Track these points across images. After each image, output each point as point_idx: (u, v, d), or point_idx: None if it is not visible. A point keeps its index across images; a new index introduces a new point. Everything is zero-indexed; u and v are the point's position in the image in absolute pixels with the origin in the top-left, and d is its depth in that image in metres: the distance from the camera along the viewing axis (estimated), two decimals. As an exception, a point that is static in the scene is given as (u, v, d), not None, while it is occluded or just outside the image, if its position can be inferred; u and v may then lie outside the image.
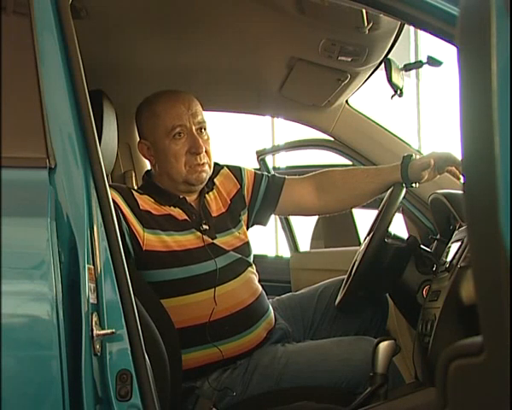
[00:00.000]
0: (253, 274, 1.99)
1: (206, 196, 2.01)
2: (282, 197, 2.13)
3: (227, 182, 2.09)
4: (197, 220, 1.93)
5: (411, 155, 2.01)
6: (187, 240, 1.88)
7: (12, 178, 1.31)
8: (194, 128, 1.92)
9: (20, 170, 1.34)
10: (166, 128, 1.90)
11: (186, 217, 1.92)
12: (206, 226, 1.92)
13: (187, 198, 1.96)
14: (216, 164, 2.08)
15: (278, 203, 2.13)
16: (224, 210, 2.03)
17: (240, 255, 1.95)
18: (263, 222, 2.18)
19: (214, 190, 2.05)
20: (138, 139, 2.03)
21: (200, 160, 1.92)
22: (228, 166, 2.12)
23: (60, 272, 1.28)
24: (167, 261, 1.84)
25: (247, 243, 2.03)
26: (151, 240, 1.83)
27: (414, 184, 2.00)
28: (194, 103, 1.95)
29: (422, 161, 1.97)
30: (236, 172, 2.12)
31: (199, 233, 1.90)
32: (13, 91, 1.36)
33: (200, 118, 1.94)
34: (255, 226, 2.19)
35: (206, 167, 1.95)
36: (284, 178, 2.16)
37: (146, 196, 1.90)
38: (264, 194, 2.12)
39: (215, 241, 1.92)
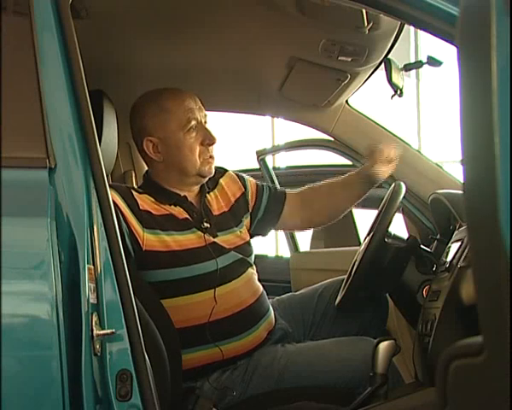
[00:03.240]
0: (253, 274, 1.99)
1: (207, 195, 2.02)
2: (283, 213, 2.16)
3: (232, 184, 2.10)
4: (198, 219, 1.93)
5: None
6: (188, 240, 1.88)
7: (12, 178, 1.31)
8: (203, 121, 1.95)
9: (20, 170, 1.34)
10: (181, 122, 1.91)
11: (187, 215, 1.92)
12: (207, 224, 1.92)
13: (188, 197, 1.96)
14: (221, 168, 2.11)
15: (280, 219, 2.16)
16: (225, 209, 2.03)
17: (241, 255, 1.95)
18: (263, 233, 2.20)
19: (216, 190, 2.05)
20: (139, 138, 2.00)
21: (212, 151, 1.96)
22: (233, 172, 2.15)
23: (60, 272, 1.28)
24: (167, 261, 1.84)
25: (248, 243, 2.03)
26: (151, 240, 1.83)
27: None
28: (197, 98, 1.98)
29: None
30: (240, 178, 2.14)
31: (200, 232, 1.89)
32: (13, 91, 1.36)
33: (204, 112, 1.98)
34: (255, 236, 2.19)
35: (214, 160, 1.98)
36: (285, 194, 2.19)
37: (145, 196, 1.90)
38: (266, 206, 2.14)
39: (216, 239, 1.92)
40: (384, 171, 2.06)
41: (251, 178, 2.18)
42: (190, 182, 1.97)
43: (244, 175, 2.17)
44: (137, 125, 1.99)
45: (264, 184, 2.20)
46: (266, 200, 2.14)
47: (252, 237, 2.12)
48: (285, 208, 2.15)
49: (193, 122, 1.92)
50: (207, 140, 1.93)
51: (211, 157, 1.96)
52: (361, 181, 2.11)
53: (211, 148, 1.95)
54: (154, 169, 2.00)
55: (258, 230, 2.15)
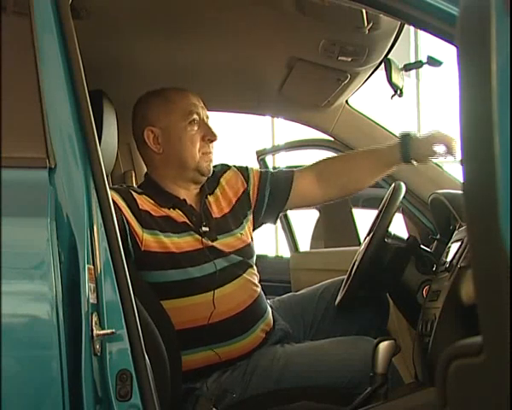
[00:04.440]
0: (253, 275, 1.98)
1: (208, 197, 2.01)
2: (291, 194, 2.11)
3: (234, 181, 2.08)
4: (197, 222, 1.92)
5: (410, 134, 2.02)
6: (185, 242, 1.87)
7: (12, 178, 1.31)
8: (205, 119, 1.97)
9: (20, 170, 1.34)
10: (184, 112, 1.93)
11: (185, 219, 1.91)
12: (206, 228, 1.91)
13: (187, 199, 1.96)
14: (223, 164, 2.11)
15: (288, 201, 2.12)
16: (226, 211, 2.02)
17: (241, 258, 1.94)
18: (271, 221, 2.17)
19: (217, 191, 2.04)
20: (140, 129, 1.99)
21: (212, 148, 1.97)
22: (235, 166, 2.13)
23: (60, 272, 1.28)
24: (164, 263, 1.83)
25: (249, 245, 2.01)
26: (149, 240, 1.82)
27: (414, 162, 2.01)
28: (201, 100, 2.00)
29: (427, 140, 1.97)
30: (243, 171, 2.11)
31: (197, 236, 1.89)
32: (13, 91, 1.36)
33: (206, 113, 1.99)
34: (263, 225, 2.17)
35: (213, 158, 1.98)
36: (292, 173, 2.13)
37: (145, 196, 1.89)
38: (270, 193, 2.10)
39: (215, 243, 1.91)
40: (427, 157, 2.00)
41: (255, 168, 2.16)
42: (188, 178, 1.96)
43: (248, 166, 2.14)
44: (140, 115, 1.99)
45: (270, 171, 2.17)
46: (269, 187, 2.10)
47: (260, 226, 2.13)
48: (294, 189, 2.10)
49: (195, 115, 1.94)
50: (209, 136, 1.94)
51: (211, 154, 1.96)
52: (391, 161, 2.04)
53: (211, 145, 1.96)
54: (153, 164, 1.99)
55: (265, 219, 2.13)
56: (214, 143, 1.98)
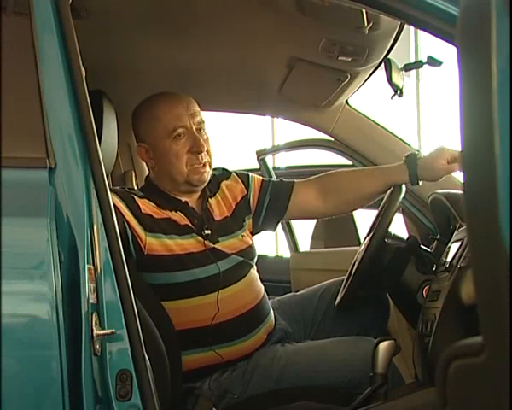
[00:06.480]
0: (256, 276, 1.99)
1: (210, 200, 2.00)
2: (291, 204, 2.10)
3: (234, 187, 2.07)
4: (199, 225, 1.91)
5: (416, 154, 1.99)
6: (189, 244, 1.87)
7: (12, 178, 1.31)
8: (194, 128, 1.91)
9: (20, 170, 1.34)
10: (167, 129, 1.89)
11: (188, 222, 1.90)
12: (208, 231, 1.90)
13: (189, 202, 1.95)
14: (224, 170, 2.10)
15: (287, 210, 2.11)
16: (227, 214, 2.01)
17: (243, 258, 1.94)
18: (270, 228, 2.17)
19: (218, 195, 2.03)
20: (136, 143, 2.00)
21: (202, 159, 1.91)
22: (236, 173, 2.12)
23: (60, 272, 1.28)
24: (170, 265, 1.84)
25: (251, 246, 2.02)
26: (153, 244, 1.82)
27: (420, 182, 1.98)
28: (193, 104, 1.94)
29: (438, 162, 1.91)
30: (244, 178, 2.11)
31: (200, 238, 1.89)
32: (13, 91, 1.36)
33: (199, 118, 1.93)
34: (262, 232, 2.16)
35: (207, 167, 1.94)
36: (293, 183, 2.12)
37: (146, 200, 1.89)
38: (270, 201, 2.09)
39: (217, 245, 1.90)
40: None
41: (257, 176, 2.15)
42: (183, 189, 1.95)
43: (249, 174, 2.14)
44: (133, 130, 2.00)
45: (272, 180, 2.17)
46: (269, 195, 2.09)
47: (258, 233, 2.12)
48: (293, 199, 2.09)
49: (180, 130, 1.89)
50: (194, 148, 1.89)
51: (200, 165, 1.91)
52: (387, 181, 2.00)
53: (201, 156, 1.91)
54: (152, 173, 2.00)
55: (263, 227, 2.13)
56: (209, 151, 1.93)
